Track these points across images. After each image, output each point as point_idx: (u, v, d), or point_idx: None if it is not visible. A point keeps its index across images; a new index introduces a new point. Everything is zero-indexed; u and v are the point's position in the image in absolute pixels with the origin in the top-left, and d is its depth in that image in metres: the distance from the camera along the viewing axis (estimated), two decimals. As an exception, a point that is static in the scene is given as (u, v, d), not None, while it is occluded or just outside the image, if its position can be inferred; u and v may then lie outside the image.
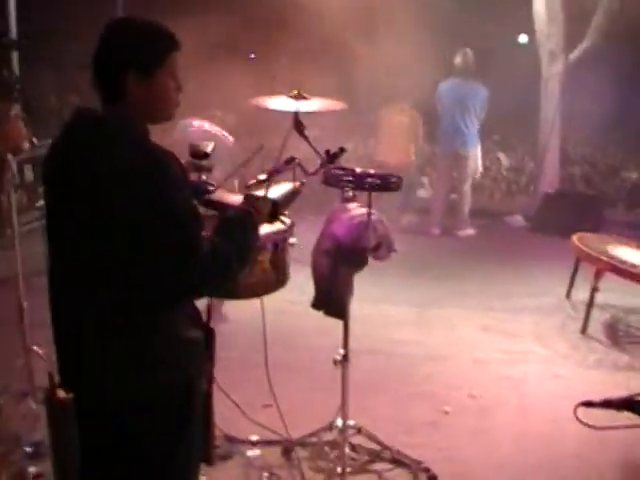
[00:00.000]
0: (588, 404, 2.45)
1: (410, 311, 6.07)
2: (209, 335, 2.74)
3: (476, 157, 8.80)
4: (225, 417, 3.67)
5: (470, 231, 8.81)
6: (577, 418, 2.39)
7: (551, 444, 4.09)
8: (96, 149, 2.16)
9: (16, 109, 4.08)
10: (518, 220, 9.39)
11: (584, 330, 5.74)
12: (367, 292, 5.62)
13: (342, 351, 3.48)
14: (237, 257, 2.30)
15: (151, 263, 2.14)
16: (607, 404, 2.44)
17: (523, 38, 13.05)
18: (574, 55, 9.92)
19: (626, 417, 2.40)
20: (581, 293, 6.18)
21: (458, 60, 8.65)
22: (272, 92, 3.61)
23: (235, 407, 3.75)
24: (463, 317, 6.00)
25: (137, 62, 2.23)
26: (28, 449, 3.56)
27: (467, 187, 8.84)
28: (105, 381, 2.24)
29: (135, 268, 2.15)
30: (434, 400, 4.54)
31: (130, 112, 2.24)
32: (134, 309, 2.19)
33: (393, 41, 8.43)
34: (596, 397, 2.35)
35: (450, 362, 5.13)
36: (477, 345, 5.45)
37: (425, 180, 11.35)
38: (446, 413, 4.40)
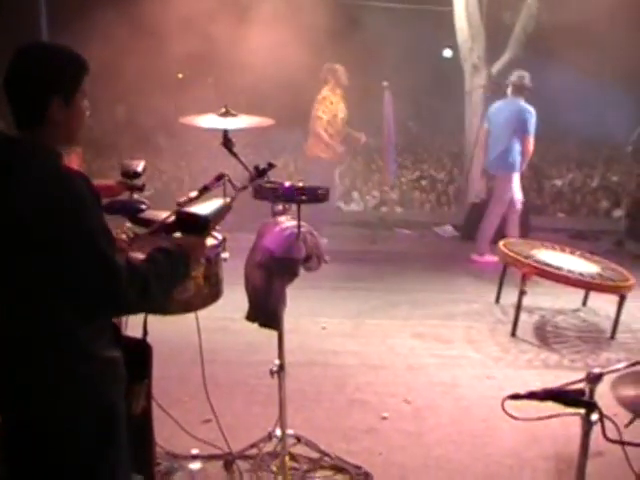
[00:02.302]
0: (514, 397, 2.57)
1: (344, 322, 6.15)
2: (146, 352, 2.78)
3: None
4: (165, 434, 3.70)
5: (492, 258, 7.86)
6: (505, 411, 2.51)
7: (484, 443, 4.22)
8: (10, 173, 2.18)
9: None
10: (448, 230, 9.60)
11: (514, 333, 5.92)
12: (301, 304, 5.74)
13: (277, 361, 3.54)
14: (158, 281, 2.32)
15: (67, 283, 2.18)
16: (532, 395, 2.57)
17: (447, 52, 13.36)
18: (496, 67, 10.22)
19: (553, 409, 2.52)
20: (510, 297, 6.36)
21: (513, 80, 7.96)
22: (200, 111, 3.67)
23: (175, 424, 3.77)
24: (396, 326, 6.11)
25: (60, 89, 2.27)
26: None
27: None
28: (26, 398, 2.24)
29: (52, 288, 2.18)
30: (371, 407, 4.63)
31: (47, 136, 2.27)
32: (53, 327, 2.21)
33: (314, 57, 8.55)
34: (526, 395, 2.48)
35: (385, 370, 5.23)
36: (411, 352, 5.56)
37: (355, 194, 11.54)
38: (383, 419, 4.49)
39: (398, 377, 5.11)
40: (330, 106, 8.26)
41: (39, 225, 2.13)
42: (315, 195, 3.13)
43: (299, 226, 3.25)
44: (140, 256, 2.51)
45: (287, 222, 3.33)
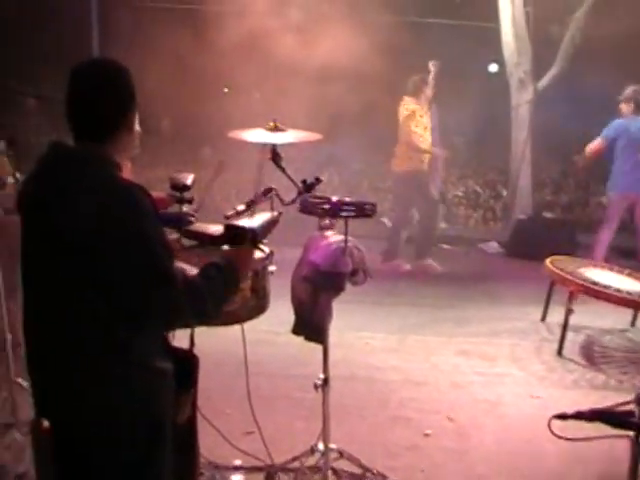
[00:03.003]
0: (561, 417, 2.54)
1: (388, 338, 6.14)
2: (192, 363, 2.80)
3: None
4: (208, 445, 3.71)
5: None
6: (551, 431, 2.48)
7: (528, 463, 4.16)
8: (74, 186, 2.23)
9: (0, 145, 4.16)
10: (493, 246, 9.53)
11: (560, 351, 5.84)
12: (346, 320, 5.73)
13: (322, 375, 3.54)
14: (212, 296, 2.36)
15: (125, 293, 2.21)
16: (579, 416, 2.53)
17: (493, 67, 13.28)
18: (543, 82, 10.15)
19: (599, 430, 2.49)
20: (556, 315, 6.29)
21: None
22: (248, 125, 3.71)
23: (218, 435, 3.79)
24: (441, 342, 6.08)
25: (131, 103, 2.35)
26: (13, 481, 3.58)
27: None
28: (73, 409, 2.28)
29: (109, 298, 2.21)
30: (413, 424, 4.60)
31: (109, 149, 2.33)
32: (107, 338, 2.25)
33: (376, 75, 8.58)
34: (572, 416, 2.44)
35: (429, 387, 5.19)
36: (455, 369, 5.52)
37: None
38: (426, 436, 4.46)
39: (441, 394, 5.08)
40: (420, 119, 8.28)
41: (98, 234, 2.17)
42: (362, 210, 3.14)
43: (346, 240, 3.26)
44: (187, 267, 2.55)
45: (334, 236, 3.34)
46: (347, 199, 3.18)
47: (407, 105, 8.30)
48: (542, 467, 4.12)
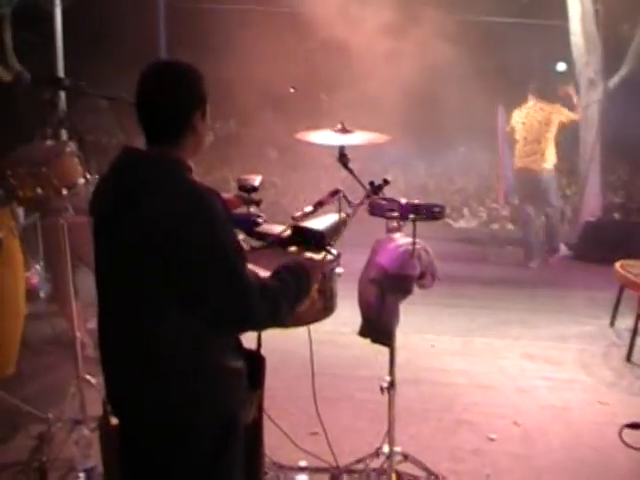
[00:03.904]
0: (634, 426, 2.49)
1: (453, 340, 6.10)
2: (259, 363, 2.82)
3: None
4: (273, 445, 3.74)
5: None
6: (622, 440, 2.43)
7: (597, 471, 4.07)
8: (146, 190, 2.25)
9: (71, 146, 4.23)
10: (561, 249, 9.35)
11: (629, 357, 5.71)
12: (411, 321, 5.71)
13: (388, 378, 3.53)
14: (286, 300, 2.40)
15: (200, 298, 2.24)
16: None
17: (561, 66, 13.01)
18: (613, 82, 9.93)
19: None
20: (625, 321, 6.17)
21: None
22: (316, 126, 3.72)
23: (283, 435, 3.82)
24: (506, 345, 6.01)
25: (200, 103, 2.37)
26: (82, 475, 3.65)
27: None
28: (148, 408, 2.32)
29: (185, 302, 2.24)
30: (478, 428, 4.56)
31: (179, 152, 2.35)
32: (183, 340, 2.28)
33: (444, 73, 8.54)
34: (642, 424, 2.39)
35: (494, 390, 5.14)
36: (521, 373, 5.45)
37: (466, 210, 11.41)
38: (491, 440, 4.41)
39: (507, 398, 5.02)
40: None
41: (172, 240, 2.19)
42: (432, 213, 3.12)
43: (414, 243, 3.25)
44: (255, 269, 2.57)
45: (402, 239, 3.33)
46: (416, 201, 3.17)
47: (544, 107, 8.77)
48: (610, 476, 4.01)
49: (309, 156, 10.50)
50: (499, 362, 5.66)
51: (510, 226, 10.58)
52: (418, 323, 6.20)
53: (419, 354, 5.69)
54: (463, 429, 4.56)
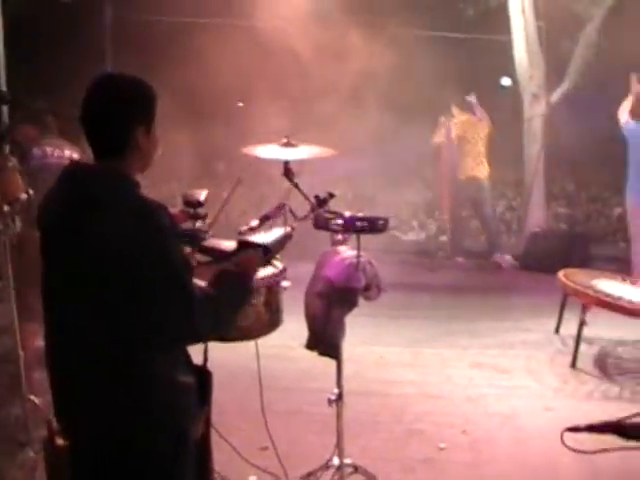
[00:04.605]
0: (574, 429, 2.54)
1: (402, 351, 6.14)
2: (206, 378, 2.81)
3: None
4: (223, 460, 3.71)
5: None
6: (564, 443, 2.48)
7: (543, 476, 4.16)
8: (95, 205, 2.23)
9: (13, 161, 4.17)
10: (507, 259, 9.50)
11: (574, 363, 5.83)
12: (360, 333, 5.73)
13: (336, 390, 3.55)
14: (227, 307, 2.40)
15: (147, 312, 2.22)
16: (592, 428, 2.53)
17: (506, 81, 13.22)
18: (555, 96, 10.15)
19: (615, 442, 2.49)
20: (570, 327, 6.25)
21: None
22: (262, 141, 3.74)
23: (232, 450, 3.80)
24: (456, 355, 6.08)
25: (144, 119, 2.35)
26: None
27: None
28: (99, 425, 2.28)
29: (131, 317, 2.22)
30: (428, 437, 4.60)
31: (126, 165, 2.34)
32: (130, 355, 2.25)
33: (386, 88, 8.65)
34: (585, 427, 2.44)
35: (444, 400, 5.20)
36: (469, 382, 5.52)
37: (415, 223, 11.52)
38: (441, 449, 4.46)
39: (456, 407, 5.08)
40: None
41: (121, 256, 2.17)
42: (375, 225, 3.16)
43: (359, 255, 3.28)
44: (201, 283, 2.57)
45: (347, 252, 3.36)
46: (360, 214, 3.21)
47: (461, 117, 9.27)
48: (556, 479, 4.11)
49: (258, 170, 10.50)
50: (448, 372, 5.72)
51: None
52: (367, 335, 6.23)
53: (368, 366, 5.72)
54: (413, 439, 4.59)
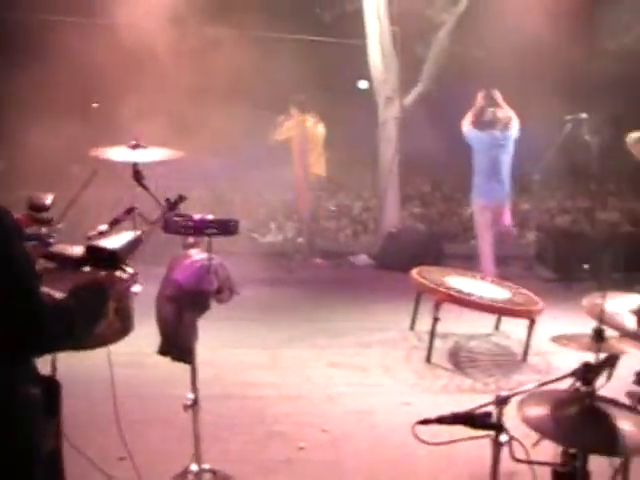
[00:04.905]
0: (424, 422, 2.63)
1: (261, 353, 6.14)
2: (55, 389, 2.72)
3: None
4: (80, 473, 3.60)
5: None
6: (415, 436, 2.56)
7: (401, 469, 4.26)
8: None
9: None
10: (363, 259, 9.69)
11: (429, 359, 6.01)
12: (218, 336, 5.71)
13: (191, 395, 3.51)
14: (82, 318, 2.33)
15: None
16: (441, 420, 2.64)
17: (363, 84, 13.49)
18: (409, 99, 10.45)
19: (466, 433, 2.59)
20: (424, 324, 6.42)
21: None
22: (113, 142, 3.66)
23: (89, 463, 3.68)
24: (314, 355, 6.14)
25: None
26: None
27: None
28: None
29: None
30: (288, 438, 4.62)
31: None
32: None
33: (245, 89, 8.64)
34: (441, 421, 2.54)
35: (303, 400, 5.23)
36: (328, 382, 5.58)
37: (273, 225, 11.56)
38: (300, 449, 4.48)
39: (315, 407, 5.13)
40: None
41: None
42: (226, 227, 3.15)
43: (210, 258, 3.26)
44: (51, 292, 2.48)
45: (198, 255, 3.33)
46: (210, 217, 3.18)
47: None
48: (414, 472, 4.23)
49: (115, 172, 10.24)
50: (307, 372, 5.77)
51: (316, 239, 10.83)
52: (225, 338, 6.21)
53: (227, 369, 5.68)
54: (274, 441, 4.60)
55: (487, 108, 8.12)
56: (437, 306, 5.96)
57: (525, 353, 6.11)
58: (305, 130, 9.52)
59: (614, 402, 2.89)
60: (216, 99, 8.68)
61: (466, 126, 8.14)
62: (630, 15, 10.85)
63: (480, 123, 8.10)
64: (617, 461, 3.13)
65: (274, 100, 9.89)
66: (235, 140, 9.58)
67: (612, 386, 3.07)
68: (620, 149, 8.79)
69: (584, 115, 8.34)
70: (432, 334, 6.01)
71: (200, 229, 3.14)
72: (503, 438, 2.73)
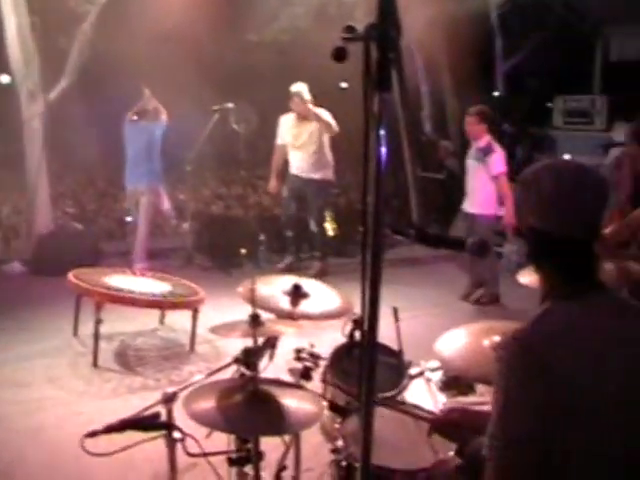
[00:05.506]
0: (92, 434, 2.57)
1: None
2: None
3: None
4: None
5: None
6: (84, 450, 2.50)
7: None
8: None
9: None
10: (15, 266, 9.09)
11: (95, 363, 5.89)
12: None
13: None
14: None
15: None
16: (110, 429, 2.60)
17: (5, 78, 12.52)
18: (54, 94, 9.99)
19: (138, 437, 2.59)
20: (88, 328, 6.20)
21: None
22: None
23: None
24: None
25: None
26: None
27: None
28: None
29: None
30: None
31: None
32: None
33: None
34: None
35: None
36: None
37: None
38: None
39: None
40: None
41: None
42: None
43: None
44: None
45: None
46: None
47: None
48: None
49: None
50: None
51: None
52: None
53: None
54: None
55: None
56: (98, 307, 5.84)
57: (192, 343, 6.25)
58: None
59: (277, 382, 3.07)
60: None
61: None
62: (273, 7, 11.52)
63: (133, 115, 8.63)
64: (288, 438, 3.34)
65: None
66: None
67: (277, 364, 3.28)
68: (265, 136, 9.41)
69: (230, 105, 8.90)
70: (96, 337, 5.88)
71: None
72: (177, 435, 2.78)
